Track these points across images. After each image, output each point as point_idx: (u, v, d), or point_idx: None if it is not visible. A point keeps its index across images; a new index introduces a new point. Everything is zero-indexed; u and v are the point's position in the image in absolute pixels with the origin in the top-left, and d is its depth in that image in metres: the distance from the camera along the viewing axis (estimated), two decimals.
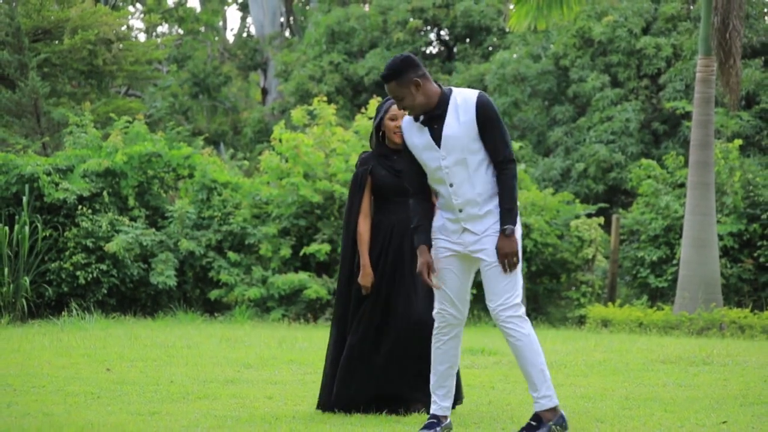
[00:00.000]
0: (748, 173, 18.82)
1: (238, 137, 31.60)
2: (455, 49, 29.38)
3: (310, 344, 12.89)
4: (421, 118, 6.56)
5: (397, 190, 7.47)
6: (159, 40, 32.69)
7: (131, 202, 17.78)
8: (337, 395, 7.51)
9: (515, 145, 21.31)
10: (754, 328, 15.83)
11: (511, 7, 17.77)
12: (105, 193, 17.51)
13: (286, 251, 17.67)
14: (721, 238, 17.94)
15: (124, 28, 25.42)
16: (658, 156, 22.93)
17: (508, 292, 6.48)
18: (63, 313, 16.36)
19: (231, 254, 17.68)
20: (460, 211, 6.50)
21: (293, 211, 17.97)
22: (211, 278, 17.74)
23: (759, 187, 18.55)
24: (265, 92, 35.16)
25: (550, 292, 19.37)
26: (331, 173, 18.21)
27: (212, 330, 14.98)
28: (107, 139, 18.27)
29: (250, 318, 17.14)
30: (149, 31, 36.67)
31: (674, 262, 18.43)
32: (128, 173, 17.78)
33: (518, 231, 6.53)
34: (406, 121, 6.69)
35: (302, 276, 17.36)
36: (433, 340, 6.74)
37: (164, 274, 17.10)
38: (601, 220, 19.34)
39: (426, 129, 6.56)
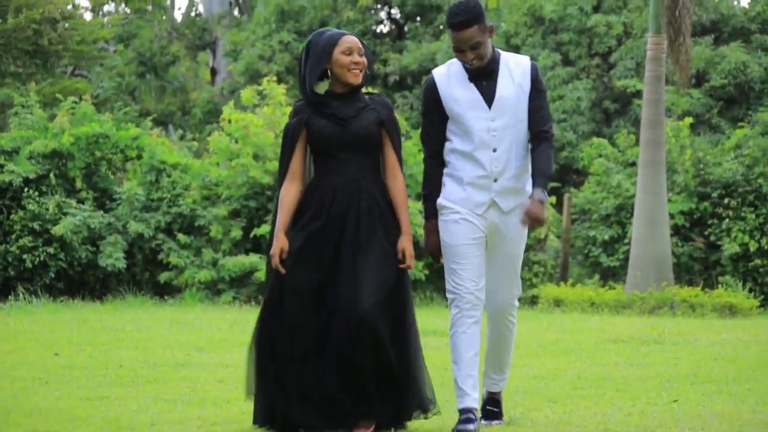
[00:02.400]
0: (699, 151, 18.94)
1: (187, 118, 31.39)
2: (406, 28, 29.27)
3: None
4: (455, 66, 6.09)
5: (341, 143, 5.89)
6: (105, 19, 32.43)
7: (79, 183, 17.62)
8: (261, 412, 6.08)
9: None
10: (705, 307, 15.94)
11: None
12: (52, 175, 17.36)
13: (236, 233, 17.58)
14: (672, 216, 18.01)
15: (69, 6, 25.17)
16: (610, 135, 22.97)
17: (517, 285, 6.18)
18: (9, 297, 16.20)
19: (181, 236, 17.60)
20: (495, 181, 5.99)
21: (243, 192, 17.86)
22: (160, 261, 17.63)
23: (709, 165, 18.62)
24: (214, 72, 34.96)
25: None
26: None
27: (162, 313, 14.92)
28: (53, 120, 18.12)
29: (201, 301, 17.06)
30: (95, 9, 36.24)
31: (626, 241, 18.49)
32: (75, 155, 17.61)
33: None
34: (442, 72, 6.10)
35: (253, 258, 17.27)
36: (453, 328, 6.01)
37: (113, 257, 16.96)
38: (553, 199, 19.32)
39: (472, 85, 6.03)
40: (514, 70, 6.06)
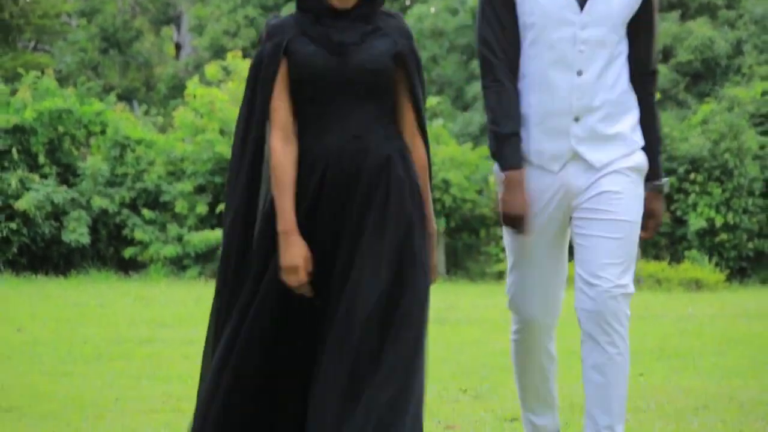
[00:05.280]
0: (665, 127, 19.00)
1: (152, 93, 31.29)
2: None
3: None
4: None
5: (338, 81, 3.70)
6: None
7: (41, 159, 17.55)
8: None
9: (432, 101, 21.23)
10: (671, 282, 16.07)
11: None
12: (14, 150, 17.27)
13: (202, 208, 17.59)
14: None
15: None
16: None
17: (629, 266, 3.98)
18: None
19: (145, 212, 17.58)
20: (577, 120, 3.95)
21: (209, 167, 17.86)
22: (125, 236, 17.63)
23: (676, 141, 18.67)
24: (178, 47, 34.73)
25: (469, 247, 19.34)
26: None
27: (127, 289, 14.91)
28: (15, 95, 18.05)
29: (166, 276, 17.07)
30: None
31: None
32: (38, 130, 17.54)
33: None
34: None
35: (218, 233, 17.14)
36: (516, 354, 4.29)
37: (77, 232, 16.94)
38: None
39: None
40: None
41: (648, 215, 4.04)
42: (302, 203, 3.68)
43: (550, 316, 4.15)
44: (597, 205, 3.94)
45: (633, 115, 4.02)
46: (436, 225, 3.83)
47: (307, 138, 3.74)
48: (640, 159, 4.02)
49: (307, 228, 3.67)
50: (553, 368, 4.30)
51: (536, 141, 3.96)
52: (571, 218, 4.02)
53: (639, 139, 4.03)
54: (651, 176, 4.06)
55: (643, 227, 4.04)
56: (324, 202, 3.68)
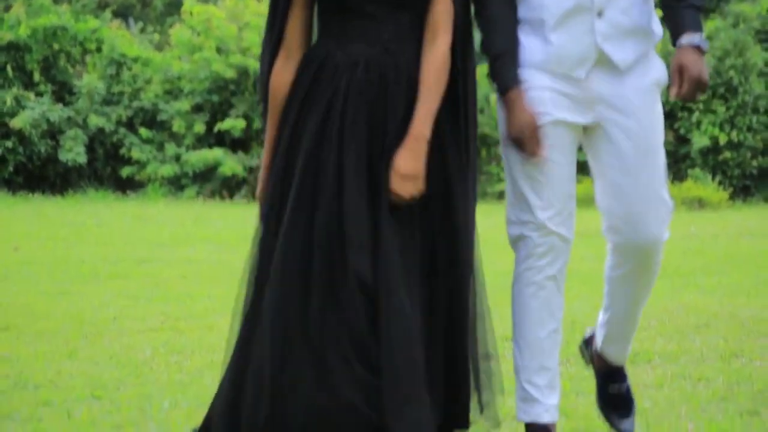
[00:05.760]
0: (669, 43, 18.72)
1: (148, 10, 31.07)
2: None
3: (226, 222, 12.83)
4: None
5: None
6: None
7: (36, 76, 17.58)
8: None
9: None
10: (674, 200, 15.56)
11: None
12: (9, 67, 17.29)
13: (199, 127, 17.57)
14: None
15: None
16: None
17: (664, 204, 3.63)
18: None
19: (143, 131, 17.60)
20: (600, 15, 3.37)
21: (206, 86, 17.83)
22: (122, 155, 17.64)
23: None
24: None
25: None
26: (244, 47, 18.01)
27: (124, 208, 14.99)
28: (9, 11, 18.00)
29: (164, 196, 17.12)
30: None
31: None
32: (33, 47, 17.55)
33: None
34: None
35: (217, 152, 17.27)
36: (517, 284, 3.56)
37: (73, 151, 16.97)
38: None
39: None
40: None
41: (681, 68, 3.33)
42: (319, 110, 3.20)
43: (559, 248, 3.61)
44: (616, 134, 3.50)
45: (650, 6, 3.48)
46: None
47: (328, 43, 3.28)
48: (662, 72, 3.50)
49: (324, 138, 3.18)
50: (559, 329, 3.66)
51: (556, 47, 3.42)
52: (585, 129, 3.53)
53: (657, 28, 3.46)
54: (680, 37, 3.37)
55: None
56: (348, 113, 3.19)
